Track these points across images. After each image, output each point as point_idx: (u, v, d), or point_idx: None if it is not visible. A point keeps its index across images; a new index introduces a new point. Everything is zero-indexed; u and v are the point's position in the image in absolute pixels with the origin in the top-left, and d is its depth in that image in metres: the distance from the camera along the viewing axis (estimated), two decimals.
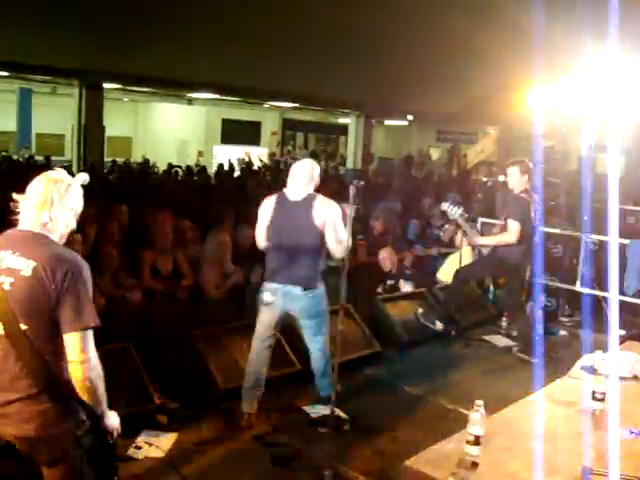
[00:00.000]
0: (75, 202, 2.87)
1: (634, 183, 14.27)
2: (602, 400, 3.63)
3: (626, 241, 7.60)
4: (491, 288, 8.49)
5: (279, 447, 4.80)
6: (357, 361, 6.21)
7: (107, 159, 19.00)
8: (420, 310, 7.32)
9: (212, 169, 20.63)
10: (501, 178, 8.01)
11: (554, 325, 7.80)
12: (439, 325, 7.26)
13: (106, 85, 17.15)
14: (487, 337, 7.54)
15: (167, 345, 5.78)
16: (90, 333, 2.70)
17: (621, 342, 5.47)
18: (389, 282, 8.10)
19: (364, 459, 4.72)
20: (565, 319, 8.07)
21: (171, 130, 27.83)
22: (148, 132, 29.02)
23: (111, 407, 2.87)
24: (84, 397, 2.71)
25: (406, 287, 8.13)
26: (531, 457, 3.18)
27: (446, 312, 7.35)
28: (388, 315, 7.20)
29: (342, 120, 28.13)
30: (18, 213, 2.78)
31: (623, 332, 6.65)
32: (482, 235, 7.31)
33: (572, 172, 13.89)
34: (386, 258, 8.18)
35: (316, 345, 5.33)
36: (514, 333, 7.47)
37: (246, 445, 4.85)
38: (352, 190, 4.90)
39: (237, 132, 28.21)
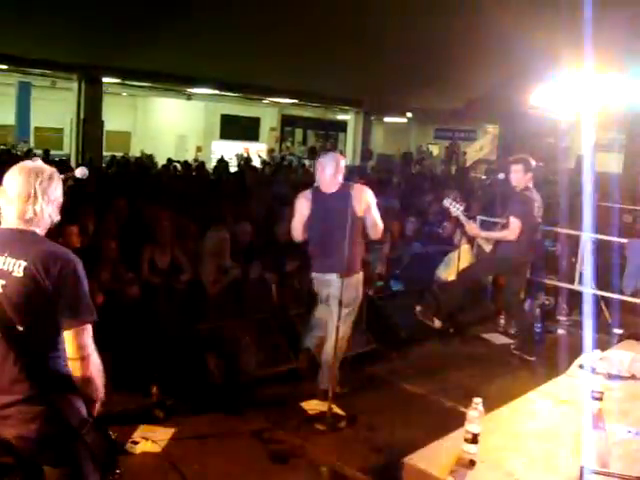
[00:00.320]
0: (57, 193, 2.78)
1: (631, 181, 14.28)
2: (600, 399, 3.62)
3: (624, 240, 7.60)
4: (489, 286, 8.48)
5: (277, 443, 4.79)
6: (355, 358, 6.20)
7: (106, 154, 18.98)
8: (419, 308, 7.30)
9: (211, 164, 20.62)
10: (500, 176, 8.00)
11: (552, 324, 7.80)
12: (437, 323, 7.26)
13: (105, 79, 17.13)
14: (485, 335, 7.54)
15: (165, 340, 5.77)
16: (89, 328, 2.68)
17: (619, 341, 5.48)
18: (379, 283, 8.09)
19: (362, 456, 4.71)
20: (563, 318, 8.06)
21: (170, 125, 27.80)
22: (147, 127, 29.00)
23: (108, 402, 2.87)
24: (84, 391, 2.69)
25: (395, 288, 8.15)
26: (529, 455, 3.19)
27: (445, 310, 7.34)
28: (386, 313, 7.19)
29: (341, 117, 28.14)
30: None
31: (621, 331, 6.66)
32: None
33: (571, 170, 13.90)
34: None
35: (334, 335, 5.29)
36: (512, 331, 7.46)
37: (244, 441, 4.84)
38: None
39: (236, 128, 28.20)
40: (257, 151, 26.26)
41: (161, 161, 19.47)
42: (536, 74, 11.01)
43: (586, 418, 3.56)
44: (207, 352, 5.62)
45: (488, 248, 7.23)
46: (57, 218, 2.81)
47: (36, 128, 24.67)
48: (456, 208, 7.01)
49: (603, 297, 7.53)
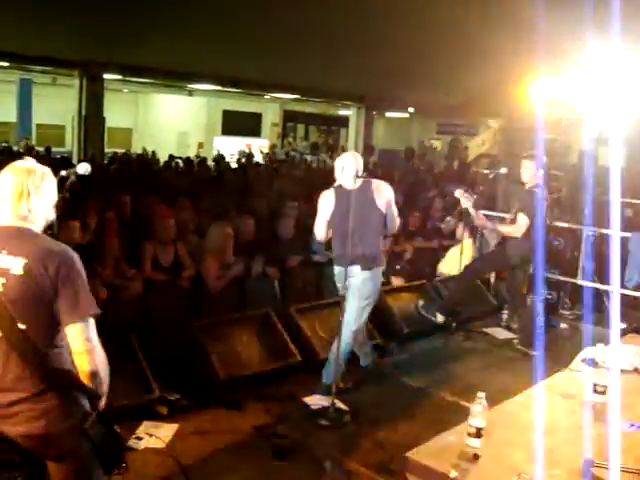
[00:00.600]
0: (51, 191, 2.79)
1: (634, 176, 14.24)
2: (603, 393, 3.64)
3: (628, 234, 7.59)
4: (492, 280, 8.48)
5: (279, 439, 4.79)
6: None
7: (107, 150, 18.98)
8: (421, 302, 7.31)
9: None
10: (502, 170, 7.98)
11: (555, 318, 7.79)
12: (440, 318, 7.26)
13: (106, 76, 17.12)
14: (488, 330, 7.53)
15: (168, 336, 5.78)
16: (92, 322, 2.68)
17: (622, 335, 5.48)
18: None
19: (365, 451, 4.72)
20: (566, 312, 8.06)
21: (171, 121, 27.80)
22: (148, 123, 29.00)
23: (112, 397, 2.87)
24: (89, 385, 2.69)
25: (396, 282, 8.15)
26: (532, 449, 3.19)
27: (447, 305, 7.34)
28: (389, 307, 7.18)
29: (343, 112, 28.10)
30: None
31: (624, 325, 6.65)
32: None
33: (573, 165, 13.88)
34: None
35: (349, 327, 5.41)
36: (515, 326, 7.46)
37: (246, 436, 4.84)
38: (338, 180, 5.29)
39: (238, 123, 28.18)
40: (259, 147, 26.26)
41: (163, 157, 19.48)
42: (538, 68, 10.98)
43: (589, 412, 3.57)
44: (209, 348, 5.62)
45: (493, 242, 7.22)
46: (52, 216, 2.82)
47: (38, 125, 24.68)
48: (467, 199, 7.00)
49: (605, 291, 7.52)
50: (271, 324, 6.20)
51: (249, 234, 7.53)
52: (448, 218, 9.32)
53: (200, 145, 26.52)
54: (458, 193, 7.08)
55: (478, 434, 3.14)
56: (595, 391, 3.67)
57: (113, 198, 8.18)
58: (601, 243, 7.69)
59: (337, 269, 5.62)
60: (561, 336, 7.34)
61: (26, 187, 2.68)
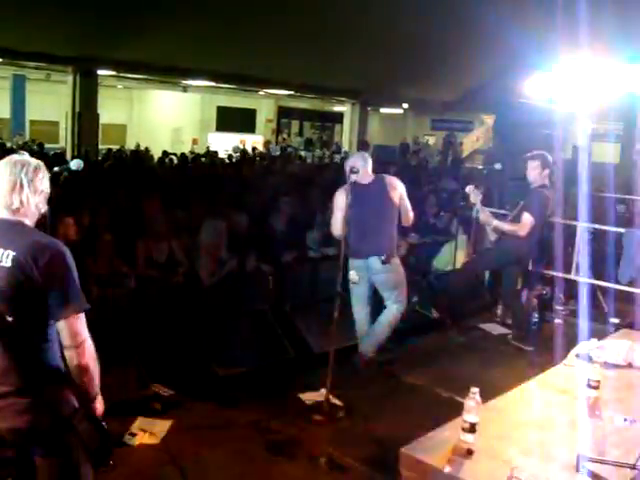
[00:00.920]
0: (44, 184, 2.78)
1: (627, 171, 14.27)
2: (597, 388, 3.63)
3: (621, 230, 7.60)
4: (487, 276, 8.49)
5: (274, 434, 4.80)
6: (352, 349, 6.21)
7: (102, 147, 18.93)
8: (415, 298, 7.31)
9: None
10: (497, 166, 7.99)
11: (549, 313, 7.80)
12: (435, 313, 7.27)
13: (100, 72, 17.09)
14: (482, 325, 7.54)
15: (162, 332, 5.78)
16: (82, 316, 2.66)
17: (616, 330, 5.49)
18: None
19: (359, 446, 4.72)
20: (560, 307, 8.07)
21: (166, 118, 27.75)
22: (143, 120, 28.94)
23: (106, 394, 2.86)
24: (79, 380, 2.68)
25: None
26: (526, 444, 3.19)
27: (443, 301, 7.35)
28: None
29: (337, 108, 28.11)
30: None
31: (617, 320, 6.66)
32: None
33: (567, 161, 13.87)
34: None
35: (392, 312, 5.90)
36: (509, 321, 7.46)
37: (241, 432, 4.84)
38: (349, 176, 5.25)
39: (232, 120, 28.15)
40: (253, 143, 26.22)
41: (157, 154, 19.44)
42: (531, 63, 10.99)
43: (582, 406, 3.57)
44: (204, 344, 5.62)
45: (493, 237, 7.23)
46: (44, 209, 2.81)
47: (31, 121, 24.62)
48: (477, 195, 7.00)
49: (600, 286, 7.53)
50: (265, 320, 6.21)
51: (243, 230, 7.52)
52: (442, 214, 9.33)
53: (194, 141, 26.48)
54: (469, 189, 7.08)
55: (472, 429, 3.13)
56: (589, 386, 3.67)
57: (107, 195, 8.16)
58: (595, 239, 7.70)
59: (355, 262, 5.75)
60: (555, 331, 7.35)
61: (19, 180, 2.67)
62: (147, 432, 4.67)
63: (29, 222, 2.73)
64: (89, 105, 16.70)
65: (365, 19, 13.07)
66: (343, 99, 24.15)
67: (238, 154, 22.04)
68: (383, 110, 28.25)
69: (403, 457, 3.14)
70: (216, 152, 20.97)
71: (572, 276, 7.71)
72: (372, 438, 4.84)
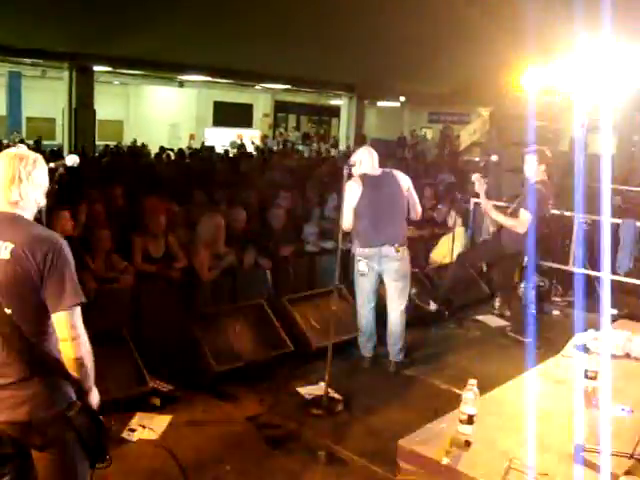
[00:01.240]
0: (42, 178, 2.79)
1: (624, 163, 14.25)
2: (594, 378, 3.64)
3: (618, 220, 7.61)
4: (484, 268, 8.49)
5: (272, 428, 4.80)
6: (351, 342, 6.21)
7: (99, 143, 18.91)
8: (414, 290, 7.31)
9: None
10: (493, 158, 7.98)
11: (547, 305, 7.81)
12: (433, 305, 7.28)
13: (96, 68, 17.06)
14: (480, 317, 7.55)
15: (160, 328, 5.78)
16: (78, 310, 2.67)
17: (613, 321, 5.50)
18: None
19: (358, 439, 4.73)
20: (558, 299, 8.08)
21: (162, 113, 27.72)
22: (139, 115, 28.90)
23: (104, 390, 2.86)
24: (74, 374, 2.68)
25: None
26: (524, 435, 3.20)
27: (440, 293, 7.36)
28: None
29: (334, 102, 28.08)
30: None
31: (615, 311, 6.67)
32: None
33: (564, 152, 13.85)
34: None
35: (399, 306, 5.92)
36: (507, 313, 7.48)
37: (240, 427, 4.85)
38: (345, 171, 5.23)
39: (229, 114, 28.13)
40: (250, 137, 26.20)
41: (155, 149, 19.42)
42: (528, 55, 10.97)
43: (580, 397, 3.58)
44: (202, 339, 5.62)
45: (492, 229, 7.22)
46: (43, 202, 2.82)
47: (28, 118, 24.56)
48: (482, 185, 7.00)
49: (597, 277, 7.53)
50: (263, 314, 6.20)
51: (241, 225, 7.52)
52: (439, 206, 9.33)
53: (191, 136, 26.45)
54: (475, 177, 7.08)
55: (470, 421, 3.15)
56: (586, 377, 3.68)
57: (104, 190, 8.16)
58: (592, 230, 7.70)
59: (367, 251, 5.75)
60: (553, 323, 7.36)
61: (17, 173, 2.68)
62: (146, 427, 4.68)
63: (28, 215, 2.74)
64: (85, 101, 16.69)
65: (361, 12, 13.03)
66: (340, 93, 24.11)
67: (235, 149, 22.03)
68: (380, 103, 28.23)
69: (401, 449, 3.16)
70: (212, 147, 20.92)
71: (570, 267, 7.72)
72: (371, 431, 4.85)
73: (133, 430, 4.63)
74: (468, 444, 3.10)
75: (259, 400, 5.24)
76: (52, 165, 3.21)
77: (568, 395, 3.70)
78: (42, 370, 2.65)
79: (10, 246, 2.58)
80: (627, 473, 2.82)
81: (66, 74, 16.63)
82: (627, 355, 4.34)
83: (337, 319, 5.42)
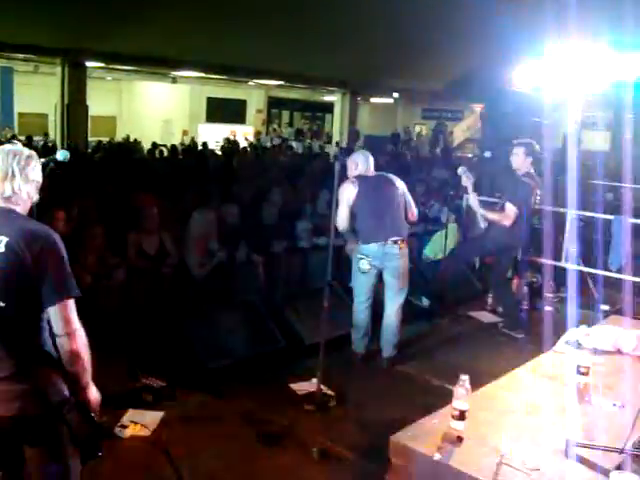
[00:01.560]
0: (36, 173, 2.81)
1: (618, 159, 14.27)
2: (586, 374, 3.65)
3: (610, 217, 7.62)
4: (477, 265, 8.51)
5: (265, 425, 4.80)
6: (343, 338, 6.21)
7: (91, 139, 18.83)
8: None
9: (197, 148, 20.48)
10: (486, 154, 7.99)
11: (539, 301, 7.82)
12: (425, 302, 7.28)
13: (89, 63, 16.96)
14: (473, 313, 7.56)
15: (152, 323, 5.77)
16: (72, 304, 2.67)
17: (605, 317, 5.51)
18: None
19: (350, 435, 4.74)
20: (550, 295, 8.08)
21: (155, 109, 27.60)
22: (132, 111, 28.76)
23: (96, 386, 2.85)
24: (71, 368, 2.67)
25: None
26: (516, 431, 3.21)
27: (433, 289, 7.37)
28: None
29: (328, 98, 28.03)
30: None
31: (607, 307, 6.68)
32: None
33: (557, 148, 13.88)
34: None
35: (396, 303, 5.98)
36: (500, 309, 7.49)
37: (232, 423, 4.85)
38: (337, 165, 5.22)
39: (222, 110, 28.06)
40: (244, 134, 26.15)
41: (147, 145, 19.35)
42: (520, 51, 10.98)
43: (572, 392, 3.59)
44: (194, 335, 5.61)
45: (483, 225, 7.23)
46: (36, 197, 2.83)
47: (20, 114, 24.43)
48: (468, 178, 7.01)
49: (589, 274, 7.55)
50: (256, 310, 6.21)
51: (233, 221, 7.51)
52: (432, 202, 9.34)
53: (184, 133, 26.37)
54: (461, 170, 7.09)
55: (462, 416, 3.15)
56: (579, 372, 3.68)
57: (97, 187, 8.14)
58: (585, 226, 7.72)
59: (371, 247, 5.77)
60: (545, 319, 7.36)
61: (11, 168, 2.70)
62: (138, 424, 4.67)
63: (21, 210, 2.75)
64: (78, 97, 16.59)
65: (354, 9, 13.02)
66: (333, 89, 24.07)
67: (229, 145, 21.98)
68: (373, 100, 28.18)
69: (393, 445, 3.16)
70: (205, 143, 20.85)
71: (562, 263, 7.73)
72: (363, 427, 4.85)
73: (125, 426, 4.62)
74: (460, 440, 3.10)
75: (252, 396, 5.23)
76: (43, 160, 3.21)
77: (560, 391, 3.71)
78: (35, 365, 2.65)
79: (4, 239, 2.59)
80: (618, 468, 2.83)
81: (59, 70, 16.54)
82: (618, 351, 4.35)
83: (329, 315, 5.42)
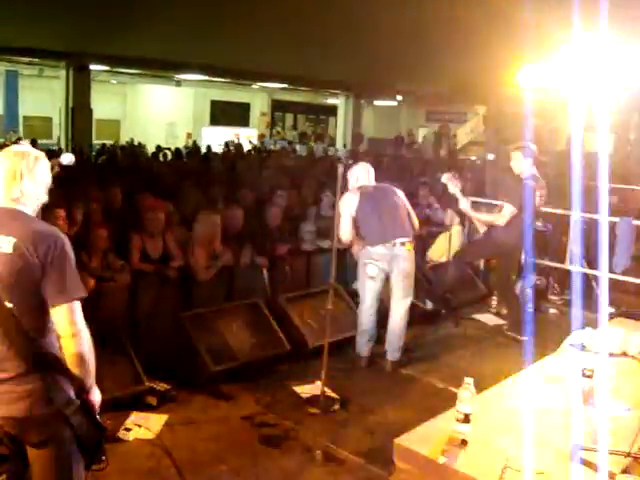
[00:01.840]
0: (44, 175, 2.83)
1: (622, 162, 14.25)
2: (591, 377, 3.63)
3: (615, 219, 7.60)
4: (482, 267, 8.49)
5: (269, 428, 4.80)
6: (348, 341, 6.21)
7: (96, 142, 18.86)
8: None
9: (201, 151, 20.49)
10: (489, 157, 7.99)
11: (544, 303, 7.82)
12: (429, 304, 7.27)
13: (93, 67, 17.01)
14: (477, 316, 7.55)
15: (157, 327, 5.77)
16: (78, 305, 2.67)
17: (610, 319, 5.49)
18: None
19: (355, 438, 4.73)
20: (555, 297, 8.08)
21: (159, 112, 27.66)
22: (136, 115, 28.82)
23: (100, 389, 2.85)
24: (75, 370, 2.67)
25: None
26: (521, 434, 3.19)
27: (437, 292, 7.35)
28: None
29: (331, 101, 28.06)
30: None
31: (612, 309, 6.66)
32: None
33: (561, 151, 13.86)
34: None
35: (403, 306, 5.99)
36: (504, 312, 7.47)
37: (236, 426, 4.84)
38: (340, 168, 5.21)
39: (226, 113, 28.13)
40: (247, 137, 26.17)
41: (152, 149, 19.37)
42: (524, 54, 10.98)
43: (577, 395, 3.57)
44: (198, 338, 5.60)
45: (482, 229, 7.22)
46: (45, 198, 2.85)
47: (25, 117, 24.49)
48: (454, 184, 7.00)
49: (594, 276, 7.53)
50: (260, 313, 6.20)
51: (237, 223, 7.50)
52: (435, 205, 9.32)
53: (188, 136, 26.40)
54: (445, 178, 7.08)
55: (466, 420, 3.14)
56: (584, 375, 3.67)
57: (102, 190, 8.13)
58: (589, 229, 7.70)
59: (380, 250, 5.78)
60: (550, 321, 7.37)
61: (19, 169, 2.72)
62: (142, 427, 4.67)
63: (29, 211, 2.77)
64: (82, 100, 16.64)
65: (358, 11, 13.01)
66: (337, 92, 24.10)
67: (233, 148, 21.98)
68: (377, 102, 28.19)
69: (397, 448, 3.14)
70: (209, 146, 20.86)
71: (566, 266, 7.72)
72: (367, 430, 4.85)
73: (129, 429, 4.63)
74: (465, 443, 3.09)
75: (255, 399, 5.24)
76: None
77: (565, 394, 3.69)
78: (41, 366, 2.65)
79: (12, 240, 2.60)
80: (624, 472, 2.81)
81: (63, 73, 16.60)
82: (624, 353, 4.33)
83: (334, 318, 5.41)
